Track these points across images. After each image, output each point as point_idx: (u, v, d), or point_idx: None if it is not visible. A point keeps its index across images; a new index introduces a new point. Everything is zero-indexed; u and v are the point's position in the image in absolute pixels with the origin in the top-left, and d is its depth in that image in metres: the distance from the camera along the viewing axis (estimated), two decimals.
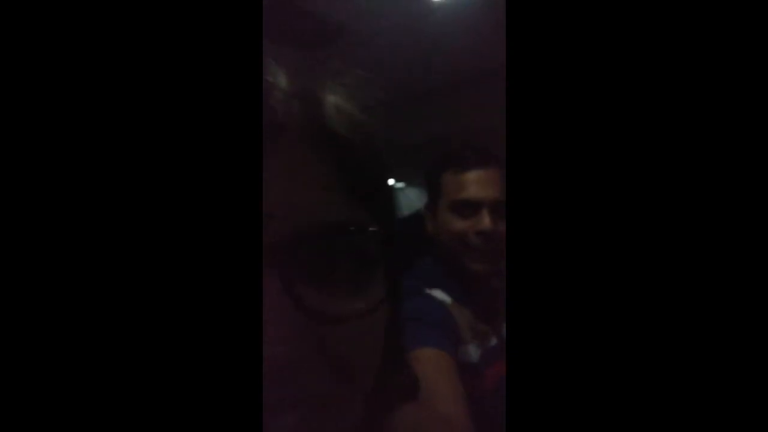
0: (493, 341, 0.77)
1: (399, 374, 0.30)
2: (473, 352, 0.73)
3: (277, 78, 0.20)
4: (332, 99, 0.21)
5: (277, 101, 0.19)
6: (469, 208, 0.74)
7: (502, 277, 0.80)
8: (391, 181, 0.27)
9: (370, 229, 0.20)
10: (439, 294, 0.74)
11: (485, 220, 0.72)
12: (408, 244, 0.87)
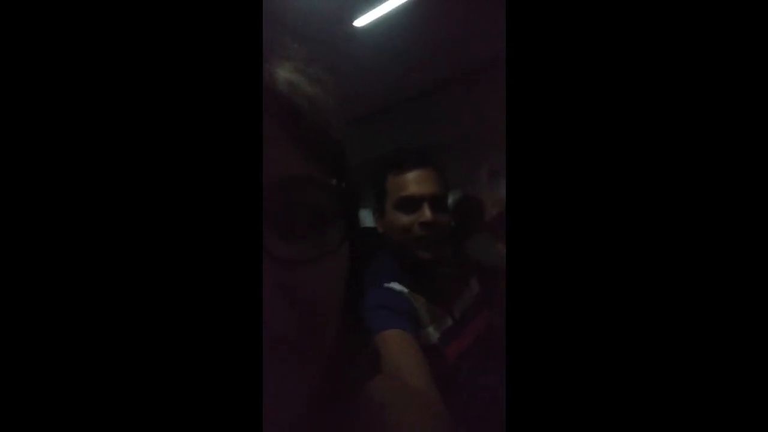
0: (449, 322, 0.85)
1: (363, 352, 0.34)
2: (432, 333, 0.81)
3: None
4: (283, 73, 0.24)
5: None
6: (412, 203, 0.84)
7: (450, 263, 0.89)
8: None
9: (326, 181, 0.23)
10: (396, 285, 0.82)
11: (427, 213, 0.82)
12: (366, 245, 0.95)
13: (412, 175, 0.85)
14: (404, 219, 0.84)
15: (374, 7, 2.41)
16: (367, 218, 0.95)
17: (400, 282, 0.83)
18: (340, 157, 0.27)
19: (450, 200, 0.94)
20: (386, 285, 0.82)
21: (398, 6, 2.40)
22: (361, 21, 2.52)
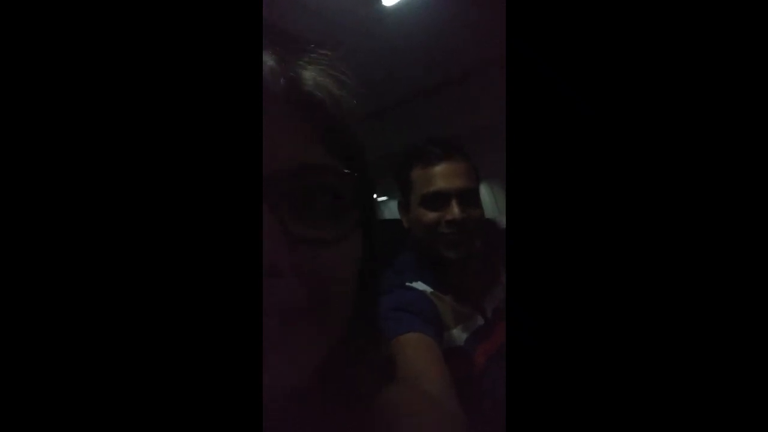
0: (480, 321, 0.83)
1: (378, 357, 0.35)
2: (458, 335, 0.79)
3: (269, 57, 0.26)
4: (310, 74, 0.27)
5: (268, 74, 0.25)
6: (438, 200, 0.81)
7: (479, 259, 0.86)
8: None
9: (344, 171, 0.26)
10: (420, 285, 0.81)
11: (454, 210, 0.79)
12: (389, 242, 0.93)
13: (439, 169, 0.82)
14: (430, 216, 0.81)
15: None
16: (393, 209, 0.93)
17: (424, 281, 0.81)
18: (359, 148, 0.30)
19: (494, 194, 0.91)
20: (408, 284, 0.80)
21: None
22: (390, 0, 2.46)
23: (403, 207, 0.89)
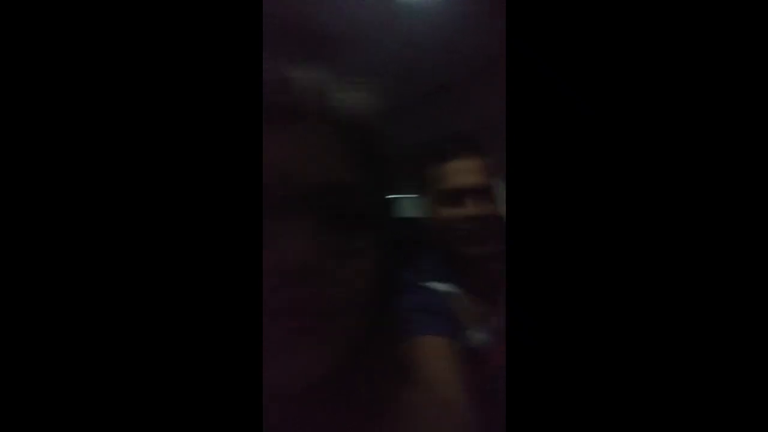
0: (499, 322, 0.82)
1: (392, 358, 0.35)
2: (476, 336, 0.78)
3: (277, 68, 0.26)
4: (325, 87, 0.27)
5: (279, 89, 0.25)
6: (453, 196, 0.80)
7: (500, 257, 0.85)
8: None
9: (355, 191, 0.26)
10: (437, 285, 0.80)
11: (470, 206, 0.78)
12: (406, 242, 0.94)
13: (453, 165, 0.82)
14: (446, 213, 0.81)
15: None
16: (409, 208, 0.93)
17: (441, 280, 0.81)
18: (379, 165, 0.30)
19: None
20: (425, 284, 0.80)
21: None
22: None
23: (420, 205, 0.90)
